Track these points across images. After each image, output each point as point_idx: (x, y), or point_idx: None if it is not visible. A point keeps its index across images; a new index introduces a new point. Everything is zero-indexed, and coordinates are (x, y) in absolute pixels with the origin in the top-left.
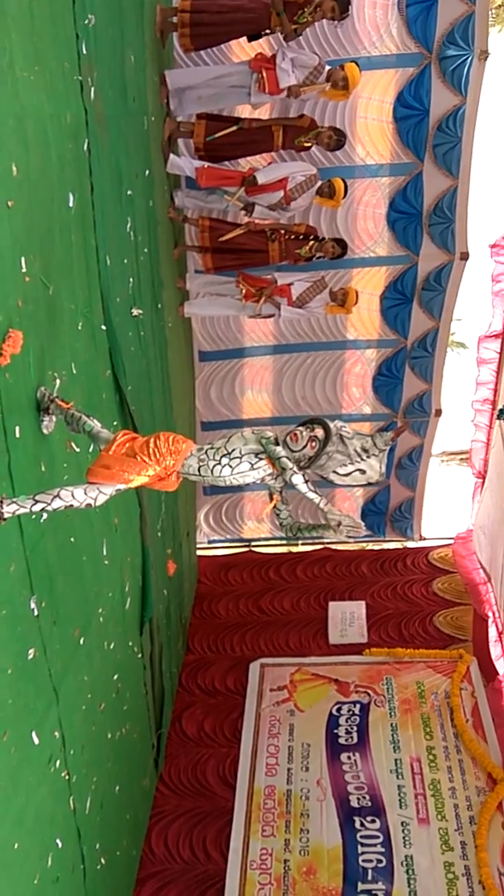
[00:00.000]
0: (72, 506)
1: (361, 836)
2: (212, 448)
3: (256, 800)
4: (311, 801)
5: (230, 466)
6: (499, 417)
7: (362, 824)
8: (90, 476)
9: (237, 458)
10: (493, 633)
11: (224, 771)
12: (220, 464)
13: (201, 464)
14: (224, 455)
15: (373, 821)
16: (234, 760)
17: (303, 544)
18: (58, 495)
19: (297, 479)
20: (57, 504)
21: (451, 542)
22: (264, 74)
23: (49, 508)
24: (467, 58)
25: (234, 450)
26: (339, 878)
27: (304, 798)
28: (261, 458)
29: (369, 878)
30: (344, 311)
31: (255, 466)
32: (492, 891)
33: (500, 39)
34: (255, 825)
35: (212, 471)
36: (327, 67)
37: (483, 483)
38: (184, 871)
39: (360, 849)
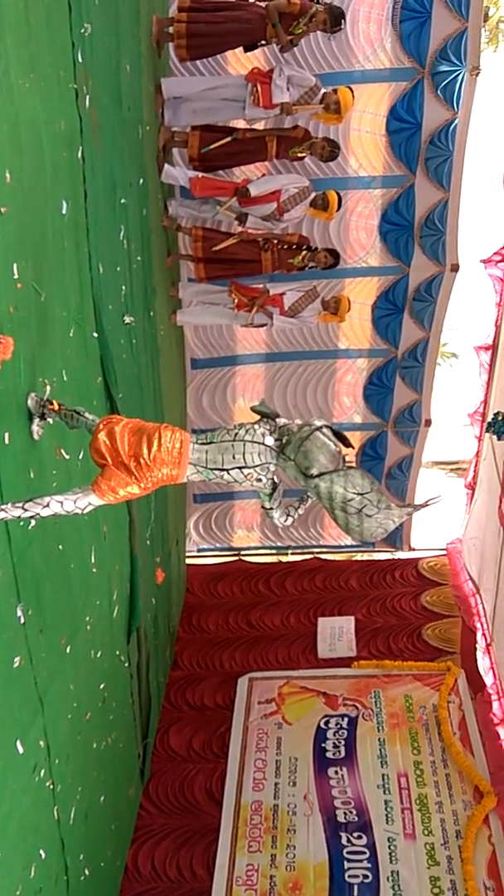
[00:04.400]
0: (60, 514)
1: (347, 852)
2: (206, 468)
3: (243, 815)
4: (298, 817)
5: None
6: (488, 430)
7: (349, 840)
8: (98, 494)
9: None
10: (480, 644)
11: (211, 786)
12: (215, 477)
13: (195, 471)
14: (218, 469)
15: (359, 836)
16: (222, 776)
17: (292, 554)
18: (47, 505)
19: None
20: (46, 513)
21: (441, 552)
22: (259, 88)
23: (38, 517)
24: (459, 73)
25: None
26: (324, 894)
27: (291, 813)
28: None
29: (355, 893)
30: (337, 318)
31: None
32: None
33: (493, 58)
34: (242, 841)
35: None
36: (322, 90)
37: (473, 494)
38: (170, 891)
39: (346, 864)
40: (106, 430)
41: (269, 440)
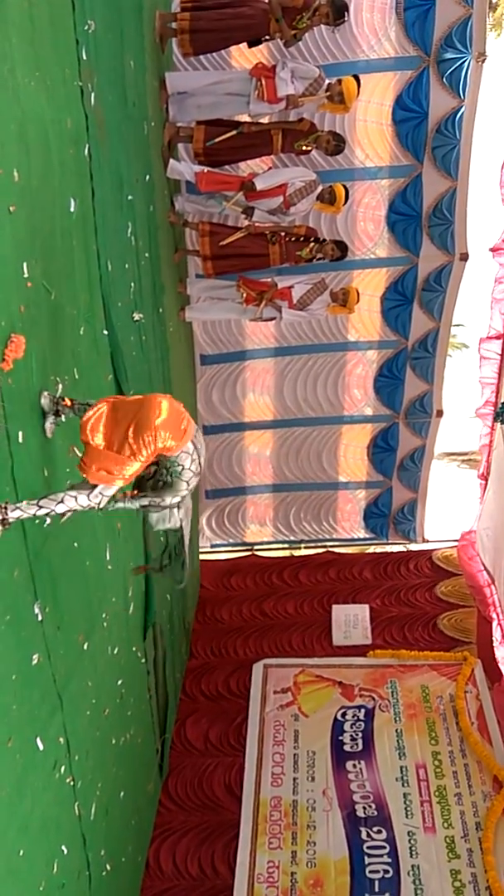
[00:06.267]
0: (76, 509)
1: (368, 847)
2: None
3: (263, 811)
4: (318, 812)
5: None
6: (495, 419)
7: (369, 835)
8: (89, 478)
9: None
10: (497, 634)
11: (230, 781)
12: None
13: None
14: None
15: (379, 831)
16: (240, 769)
17: (305, 548)
18: (62, 500)
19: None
20: (61, 509)
21: (455, 543)
22: (263, 83)
23: (53, 513)
24: (465, 60)
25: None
26: (346, 890)
27: (311, 809)
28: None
29: (376, 889)
30: (346, 310)
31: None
32: (499, 894)
33: (498, 45)
34: (262, 838)
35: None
36: (327, 81)
37: (486, 484)
38: (192, 888)
39: (366, 860)
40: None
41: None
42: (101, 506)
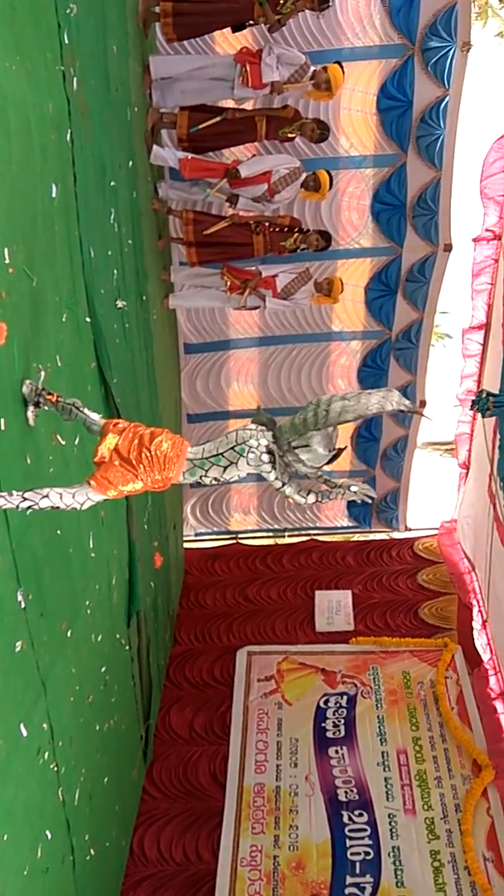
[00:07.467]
0: (58, 507)
1: (349, 830)
2: (202, 459)
3: (246, 798)
4: (300, 797)
5: (221, 468)
6: (472, 408)
7: (350, 818)
8: (96, 486)
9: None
10: (477, 621)
11: (215, 769)
12: (211, 467)
13: (191, 468)
14: (214, 457)
15: (360, 814)
16: (225, 758)
17: (289, 536)
18: (47, 495)
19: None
20: (45, 504)
21: (437, 531)
22: (248, 68)
23: (36, 507)
24: (450, 49)
25: (224, 455)
26: (327, 872)
27: (293, 794)
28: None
29: (357, 871)
30: (330, 300)
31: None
32: (477, 874)
33: (483, 33)
34: (245, 823)
35: (200, 477)
36: (312, 68)
37: (467, 473)
38: (176, 873)
39: (348, 842)
40: (114, 431)
41: (263, 439)
42: (83, 509)
